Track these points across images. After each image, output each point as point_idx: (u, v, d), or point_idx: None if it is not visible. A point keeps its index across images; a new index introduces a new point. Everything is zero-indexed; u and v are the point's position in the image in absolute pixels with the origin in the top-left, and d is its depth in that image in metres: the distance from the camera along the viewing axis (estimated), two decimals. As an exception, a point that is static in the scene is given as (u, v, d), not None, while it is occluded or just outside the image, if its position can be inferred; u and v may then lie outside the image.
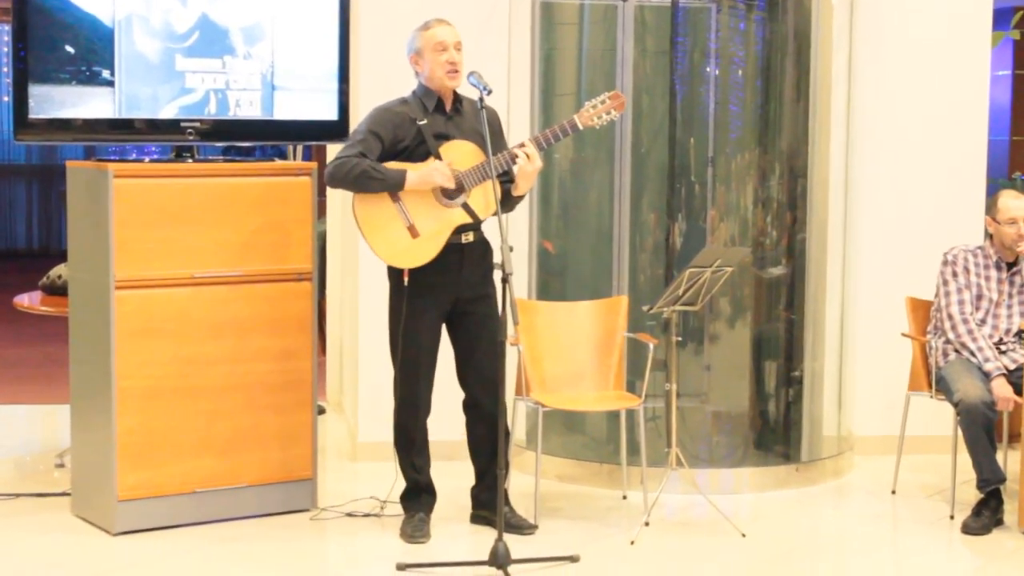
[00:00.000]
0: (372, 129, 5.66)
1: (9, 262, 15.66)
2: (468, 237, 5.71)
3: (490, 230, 5.69)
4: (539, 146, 5.66)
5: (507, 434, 5.73)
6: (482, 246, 5.78)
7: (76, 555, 5.64)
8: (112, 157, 6.06)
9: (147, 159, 6.06)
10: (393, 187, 5.58)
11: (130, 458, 5.76)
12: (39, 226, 16.44)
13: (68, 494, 6.14)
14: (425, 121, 5.67)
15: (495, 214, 5.52)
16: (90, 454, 5.93)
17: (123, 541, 5.75)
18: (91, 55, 5.72)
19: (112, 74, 5.75)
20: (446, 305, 5.77)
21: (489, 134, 5.59)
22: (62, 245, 5.85)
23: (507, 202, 5.77)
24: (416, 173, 5.59)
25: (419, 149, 5.66)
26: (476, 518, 5.99)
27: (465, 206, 5.64)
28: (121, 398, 5.73)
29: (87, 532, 5.87)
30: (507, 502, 5.88)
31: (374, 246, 5.64)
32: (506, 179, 5.73)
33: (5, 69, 15.16)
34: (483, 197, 5.65)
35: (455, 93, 5.76)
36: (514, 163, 5.64)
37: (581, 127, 5.72)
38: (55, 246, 15.81)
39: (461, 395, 5.90)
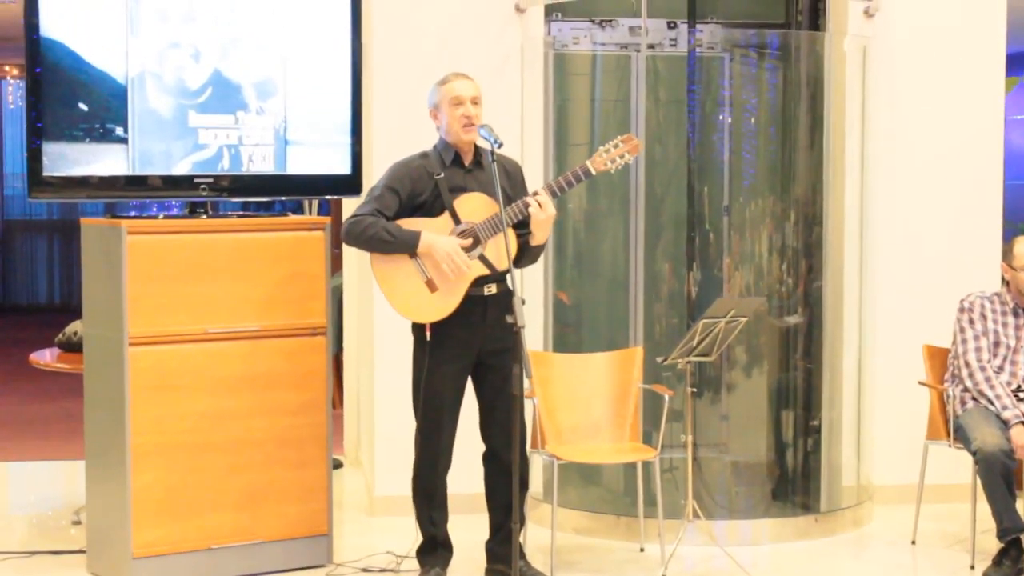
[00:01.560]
0: (390, 185, 5.67)
1: (31, 317, 15.72)
2: (491, 289, 5.70)
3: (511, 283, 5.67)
4: (552, 193, 5.65)
5: (524, 487, 5.70)
6: (506, 298, 5.73)
7: (91, 613, 5.64)
8: (131, 213, 6.09)
9: (162, 215, 6.08)
10: (405, 249, 5.57)
11: (145, 515, 5.76)
12: (60, 282, 16.51)
13: (83, 551, 6.13)
14: (442, 175, 5.68)
15: (514, 265, 5.51)
16: (105, 511, 5.92)
17: (138, 598, 5.74)
18: (105, 112, 5.76)
19: (125, 131, 5.78)
20: (470, 358, 5.75)
21: (512, 186, 5.61)
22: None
23: (527, 253, 5.76)
24: (429, 240, 5.57)
25: (436, 203, 5.66)
26: (492, 572, 5.96)
27: (482, 258, 5.63)
28: (136, 454, 5.73)
29: (102, 590, 5.87)
30: (523, 556, 5.85)
31: (393, 302, 5.64)
32: (523, 230, 5.73)
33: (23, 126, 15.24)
34: (500, 248, 5.63)
35: (476, 147, 5.77)
36: (527, 211, 5.63)
37: (595, 172, 5.70)
38: (76, 302, 15.84)
39: (478, 447, 5.87)
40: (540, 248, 5.78)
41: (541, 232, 5.68)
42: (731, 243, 7.30)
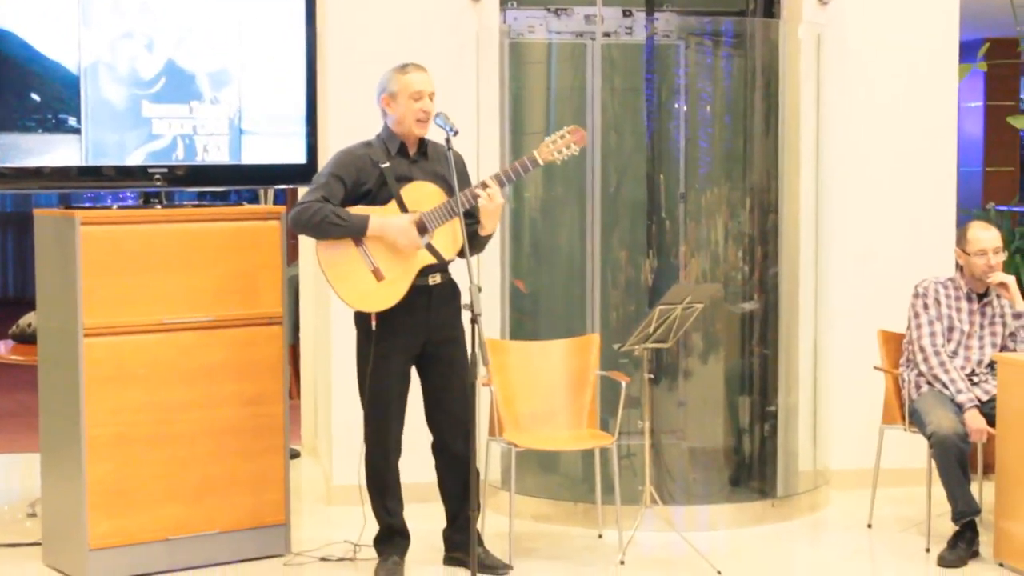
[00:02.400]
0: (335, 173, 5.65)
1: (-15, 310, 15.61)
2: (435, 279, 5.69)
3: (459, 271, 5.67)
4: (500, 183, 5.65)
5: (477, 475, 5.71)
6: (450, 287, 5.76)
7: (48, 605, 5.62)
8: (85, 204, 6.06)
9: (116, 206, 6.05)
10: (355, 233, 5.57)
11: (101, 506, 5.73)
12: (14, 273, 16.40)
13: (39, 544, 6.10)
14: (387, 164, 5.66)
15: (461, 254, 5.51)
16: (61, 503, 5.89)
17: (95, 590, 5.72)
18: (57, 103, 5.72)
19: (79, 121, 5.74)
20: (415, 348, 5.75)
21: (457, 176, 5.59)
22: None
23: (475, 243, 5.76)
24: (379, 221, 5.57)
25: (381, 192, 5.64)
26: (450, 560, 5.97)
27: (429, 247, 5.62)
28: (91, 446, 5.70)
29: (59, 582, 5.84)
30: (481, 543, 5.86)
31: (339, 291, 5.63)
32: (470, 220, 5.73)
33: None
34: (448, 237, 5.63)
35: (421, 139, 5.76)
36: (475, 201, 5.62)
37: (541, 162, 5.70)
38: (30, 294, 15.71)
39: (429, 436, 5.87)
40: (488, 238, 5.77)
41: (490, 222, 5.67)
42: (687, 230, 7.32)
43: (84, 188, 6.00)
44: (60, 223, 5.76)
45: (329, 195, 5.59)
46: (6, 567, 6.01)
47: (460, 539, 5.84)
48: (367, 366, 5.68)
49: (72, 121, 5.74)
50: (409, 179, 5.67)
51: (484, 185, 5.62)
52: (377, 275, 5.59)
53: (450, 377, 5.69)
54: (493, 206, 5.62)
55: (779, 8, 7.41)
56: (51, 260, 5.88)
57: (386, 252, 5.59)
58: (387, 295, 5.60)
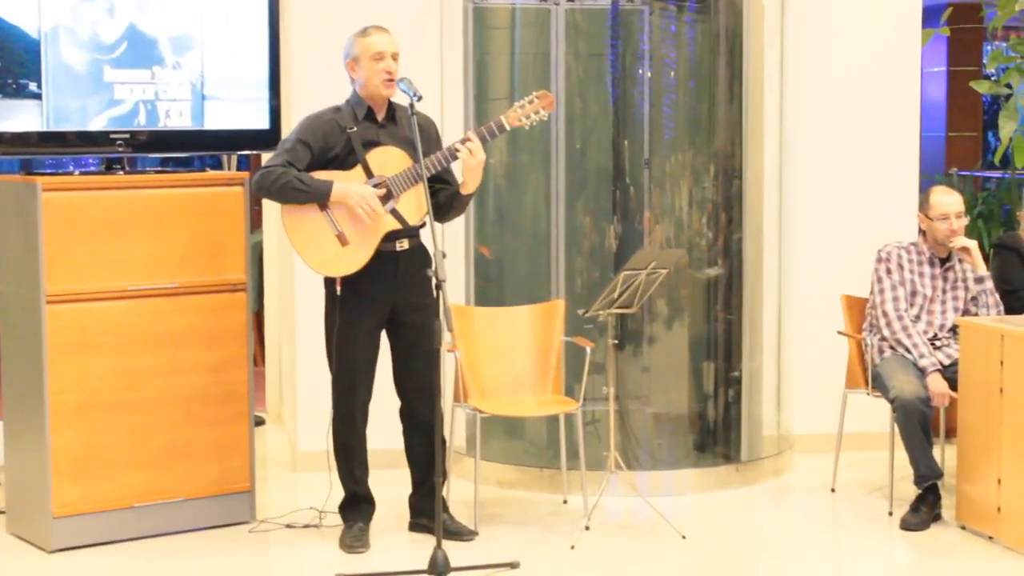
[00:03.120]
0: (301, 138, 5.63)
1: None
2: (403, 244, 5.68)
3: (424, 237, 5.67)
4: (482, 139, 5.63)
5: (444, 442, 5.71)
6: (420, 253, 5.74)
7: (11, 574, 5.58)
8: (47, 170, 6.01)
9: (78, 172, 6.01)
10: (318, 198, 5.54)
11: (65, 474, 5.71)
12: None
13: (3, 512, 6.08)
14: (355, 129, 5.64)
15: (434, 220, 5.50)
16: (24, 471, 5.87)
17: (59, 558, 5.70)
18: (17, 67, 5.67)
19: (39, 86, 5.70)
20: (383, 313, 5.74)
21: (425, 141, 5.58)
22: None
23: (455, 203, 5.74)
24: (342, 187, 5.55)
25: (349, 158, 5.62)
26: (415, 526, 5.97)
27: (394, 212, 5.60)
28: (54, 413, 5.68)
29: (23, 550, 5.81)
30: (446, 509, 5.86)
31: (303, 255, 5.61)
32: (439, 183, 5.71)
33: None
34: (413, 202, 5.62)
35: (389, 102, 5.73)
36: (454, 159, 5.60)
37: (508, 127, 5.69)
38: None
39: (397, 403, 5.87)
40: (469, 197, 5.75)
41: (472, 179, 5.65)
42: (652, 196, 7.32)
43: (45, 154, 5.97)
44: (21, 189, 5.72)
45: (294, 160, 5.57)
46: (-31, 535, 6.00)
47: (425, 505, 5.85)
48: (333, 331, 5.66)
49: (33, 86, 5.69)
50: (376, 144, 5.64)
51: (465, 140, 5.59)
52: (341, 240, 5.57)
53: (418, 343, 5.68)
54: (475, 161, 5.59)
55: (743, -27, 7.41)
56: (12, 227, 5.84)
57: (351, 217, 5.56)
58: (351, 260, 5.59)
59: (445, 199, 5.73)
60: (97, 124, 5.81)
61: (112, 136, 5.83)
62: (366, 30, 5.67)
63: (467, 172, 5.63)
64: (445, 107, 6.92)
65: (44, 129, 5.73)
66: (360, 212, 5.52)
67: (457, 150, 5.58)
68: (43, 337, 5.65)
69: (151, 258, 5.84)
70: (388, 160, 5.62)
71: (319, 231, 5.57)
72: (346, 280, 5.61)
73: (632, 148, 7.32)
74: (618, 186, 7.24)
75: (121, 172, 5.91)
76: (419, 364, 5.70)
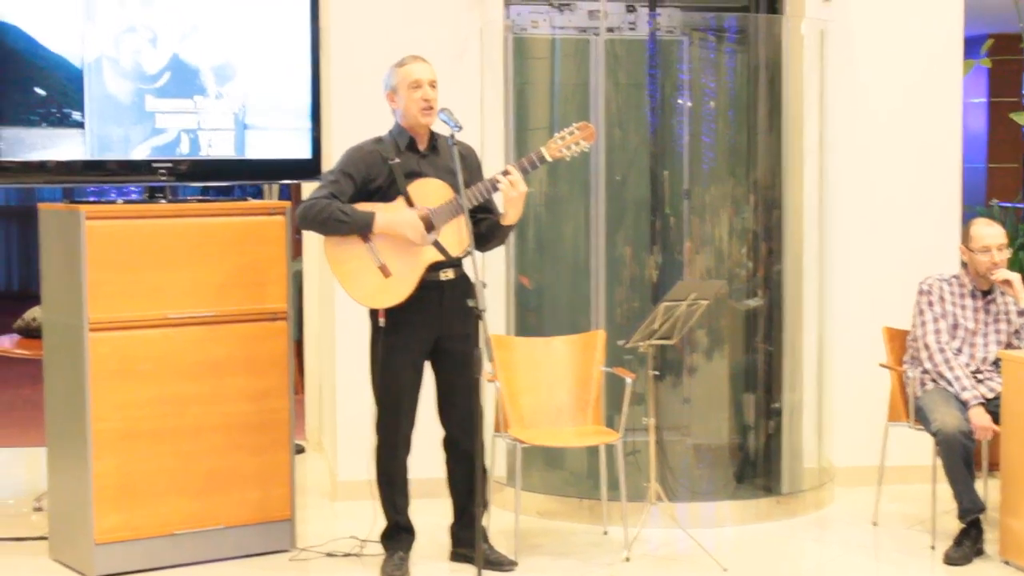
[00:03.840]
0: (344, 170, 5.65)
1: (-12, 304, 15.61)
2: (448, 274, 5.68)
3: (471, 267, 5.67)
4: (523, 171, 5.63)
5: (484, 472, 5.70)
6: (463, 283, 5.73)
7: (52, 600, 5.61)
8: (90, 199, 6.05)
9: (120, 200, 6.04)
10: (361, 230, 5.56)
11: (107, 501, 5.73)
12: (19, 268, 16.40)
13: (45, 538, 6.10)
14: (397, 160, 5.65)
15: (474, 250, 5.51)
16: (67, 497, 5.89)
17: (100, 585, 5.72)
18: (61, 97, 5.72)
19: (83, 116, 5.74)
20: (427, 343, 5.74)
21: (466, 170, 5.59)
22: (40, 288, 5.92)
23: (496, 234, 5.75)
24: (385, 218, 5.56)
25: (391, 188, 5.64)
26: (456, 556, 5.96)
27: (436, 243, 5.61)
28: (97, 440, 5.70)
29: (64, 576, 5.84)
30: (486, 539, 5.85)
31: (347, 288, 5.62)
32: (481, 213, 5.71)
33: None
34: (454, 234, 5.62)
35: (431, 132, 5.75)
36: (495, 190, 5.60)
37: (549, 159, 5.69)
38: (34, 288, 15.70)
39: (439, 432, 5.87)
40: (510, 228, 5.75)
41: (513, 210, 5.65)
42: (691, 227, 7.31)
43: (88, 183, 6.00)
44: (65, 217, 5.76)
45: (337, 192, 5.59)
46: (12, 561, 6.01)
47: (466, 535, 5.84)
48: (377, 362, 5.67)
49: (76, 115, 5.74)
50: (418, 175, 5.66)
51: (506, 172, 5.59)
52: (384, 271, 5.58)
53: (461, 373, 5.66)
54: (516, 193, 5.59)
55: (783, 3, 7.41)
56: (56, 254, 5.88)
57: (393, 249, 5.58)
58: (394, 292, 5.60)
59: (486, 228, 5.74)
60: (140, 153, 5.85)
61: (155, 165, 5.87)
62: (403, 60, 5.71)
63: (508, 204, 5.63)
64: (485, 137, 6.94)
65: (88, 158, 5.76)
66: (410, 235, 5.53)
67: (498, 182, 5.58)
68: (86, 364, 5.68)
69: (193, 286, 5.86)
70: (429, 192, 5.63)
71: (362, 263, 5.58)
72: (390, 311, 5.62)
73: (672, 178, 7.31)
74: (658, 216, 7.24)
75: (164, 201, 5.94)
76: (462, 394, 5.70)
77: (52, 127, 5.71)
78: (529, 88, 7.42)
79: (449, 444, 5.86)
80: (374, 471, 5.82)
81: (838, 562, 6.23)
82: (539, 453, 7.05)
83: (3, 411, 9.67)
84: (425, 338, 5.71)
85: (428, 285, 5.63)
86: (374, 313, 5.68)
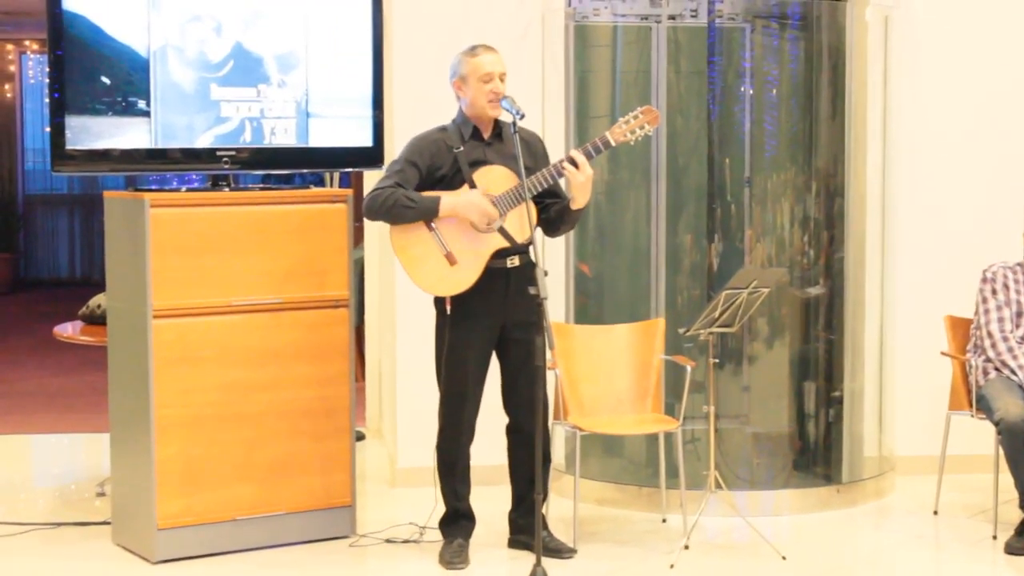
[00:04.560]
0: (409, 159, 5.66)
1: (52, 291, 15.78)
2: (513, 261, 5.69)
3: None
4: (587, 155, 5.62)
5: (547, 459, 5.71)
6: (530, 270, 5.70)
7: (117, 584, 5.67)
8: (152, 187, 6.11)
9: (183, 188, 6.09)
10: (427, 214, 5.57)
11: (169, 486, 5.79)
12: (82, 255, 16.57)
13: (108, 523, 6.17)
14: (461, 149, 5.67)
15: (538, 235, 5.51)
16: (130, 483, 5.95)
17: (163, 569, 5.77)
18: (127, 86, 5.77)
19: (148, 104, 5.79)
20: (494, 330, 5.75)
21: (531, 156, 5.60)
22: (104, 274, 5.94)
23: (566, 218, 5.74)
24: (451, 199, 5.58)
25: (456, 177, 5.65)
26: (514, 543, 5.98)
27: (501, 230, 5.62)
28: (160, 426, 5.76)
29: (127, 561, 5.89)
30: (545, 527, 5.87)
31: (413, 276, 5.64)
32: (550, 198, 5.71)
33: (46, 100, 15.32)
34: (519, 220, 5.63)
35: (495, 120, 5.76)
36: (560, 175, 5.60)
37: (614, 143, 5.68)
38: (97, 276, 15.92)
39: (500, 420, 5.89)
40: (580, 212, 5.73)
41: (581, 195, 5.64)
42: (752, 214, 7.29)
43: (153, 171, 6.06)
44: (130, 205, 5.81)
45: (403, 181, 5.61)
46: (75, 545, 6.08)
47: (525, 522, 5.86)
48: (443, 349, 5.69)
49: (142, 104, 5.79)
50: (483, 163, 5.67)
51: (571, 160, 5.59)
52: (450, 259, 5.60)
53: (526, 360, 5.65)
54: (583, 177, 5.58)
55: (846, -10, 7.37)
56: (120, 242, 5.94)
57: (459, 236, 5.60)
58: (460, 279, 5.61)
59: (556, 213, 5.74)
60: (204, 141, 5.89)
61: (219, 153, 5.91)
62: (474, 49, 5.70)
63: (575, 189, 5.63)
64: (546, 125, 6.94)
65: (152, 146, 5.82)
66: (475, 217, 5.55)
67: (563, 167, 5.58)
68: (149, 351, 5.73)
69: (255, 274, 5.90)
70: (494, 179, 5.64)
71: (427, 250, 5.60)
72: (456, 298, 5.63)
73: (733, 166, 7.29)
74: (719, 204, 7.22)
75: (227, 189, 5.99)
76: (526, 381, 5.69)
77: (118, 116, 5.76)
78: (590, 76, 7.41)
79: (512, 431, 5.88)
80: (436, 458, 5.84)
81: (898, 551, 6.21)
82: (598, 441, 7.06)
83: (67, 397, 9.78)
84: (491, 325, 5.72)
85: (494, 272, 5.64)
86: (440, 301, 5.70)
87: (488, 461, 6.12)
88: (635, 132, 5.69)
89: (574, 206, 5.68)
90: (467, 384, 5.72)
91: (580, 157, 5.58)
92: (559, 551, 5.86)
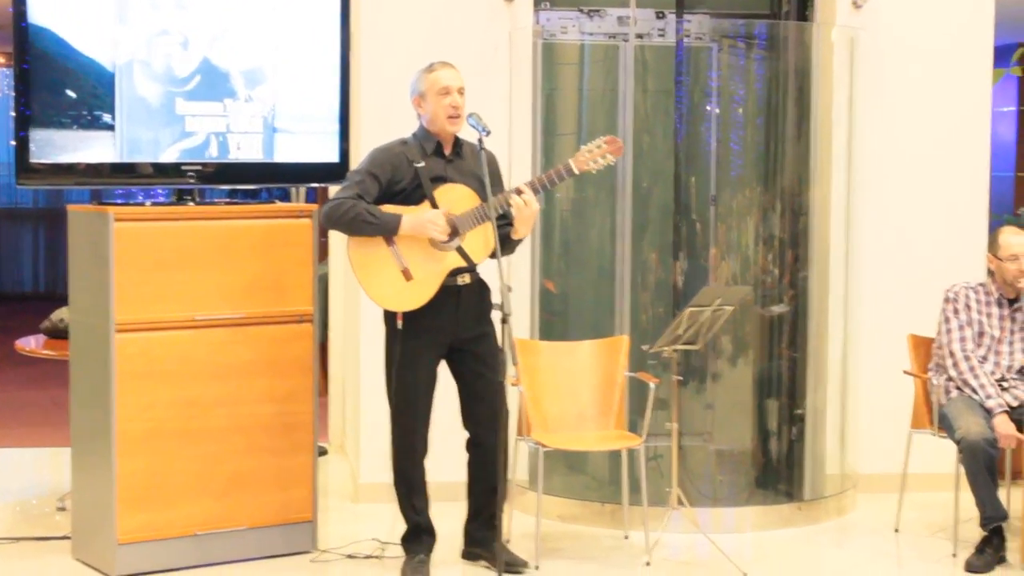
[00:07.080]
0: (370, 170, 5.67)
1: (15, 305, 15.69)
2: (464, 279, 5.71)
3: (488, 271, 5.69)
4: (535, 190, 5.65)
5: (505, 465, 5.72)
6: (478, 287, 5.77)
7: (77, 599, 5.65)
8: (117, 200, 6.09)
9: (148, 203, 6.08)
10: (387, 232, 5.58)
11: (130, 501, 5.76)
12: (45, 269, 16.48)
13: (68, 538, 6.14)
14: (423, 164, 5.68)
15: (492, 256, 5.53)
16: (90, 497, 5.93)
17: (123, 584, 5.75)
18: (92, 99, 5.75)
19: (113, 118, 5.78)
20: (443, 347, 5.76)
21: (489, 176, 5.61)
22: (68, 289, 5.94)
23: (506, 245, 5.77)
24: (411, 220, 5.58)
25: (416, 192, 5.66)
26: (469, 554, 5.98)
27: (460, 249, 5.64)
28: (121, 441, 5.73)
29: (87, 575, 5.86)
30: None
31: (368, 289, 5.65)
32: (503, 222, 5.74)
33: (11, 113, 15.26)
34: (479, 240, 5.64)
35: (455, 137, 5.77)
36: (509, 207, 5.63)
37: (577, 171, 5.70)
38: (61, 290, 15.82)
39: (460, 436, 5.89)
40: (519, 242, 5.79)
41: (524, 227, 5.67)
42: (718, 233, 7.32)
43: (118, 184, 6.04)
44: (94, 219, 5.80)
45: (364, 192, 5.61)
46: (35, 560, 6.05)
47: (481, 535, 5.87)
48: (394, 363, 5.70)
49: (107, 118, 5.78)
50: (444, 180, 5.68)
51: (519, 191, 5.61)
52: (406, 275, 5.60)
53: (482, 372, 5.69)
54: (529, 212, 5.62)
55: (812, 11, 7.40)
56: (84, 256, 5.92)
57: (417, 252, 5.60)
58: (416, 295, 5.62)
59: (500, 237, 5.77)
60: (169, 156, 5.89)
61: (184, 168, 5.90)
62: (431, 66, 5.72)
63: (519, 221, 5.64)
64: (513, 142, 6.95)
65: (117, 160, 5.80)
66: (434, 233, 5.55)
67: (510, 204, 5.59)
68: (112, 365, 5.71)
69: (219, 288, 5.89)
70: (456, 198, 5.65)
71: (384, 265, 5.60)
72: (407, 314, 5.64)
73: (699, 184, 7.32)
74: (684, 222, 7.25)
75: (192, 203, 5.98)
76: (483, 393, 5.71)
77: (83, 129, 5.75)
78: (558, 94, 7.44)
79: (473, 444, 5.88)
80: (393, 474, 5.84)
81: (859, 569, 6.23)
82: (561, 457, 7.07)
83: (29, 411, 9.73)
84: (441, 342, 5.73)
85: (446, 290, 5.65)
86: (391, 315, 5.70)
87: (448, 477, 6.12)
88: (597, 161, 5.71)
89: (515, 236, 5.70)
90: (418, 400, 5.72)
91: (528, 192, 5.60)
92: (515, 564, 5.86)
